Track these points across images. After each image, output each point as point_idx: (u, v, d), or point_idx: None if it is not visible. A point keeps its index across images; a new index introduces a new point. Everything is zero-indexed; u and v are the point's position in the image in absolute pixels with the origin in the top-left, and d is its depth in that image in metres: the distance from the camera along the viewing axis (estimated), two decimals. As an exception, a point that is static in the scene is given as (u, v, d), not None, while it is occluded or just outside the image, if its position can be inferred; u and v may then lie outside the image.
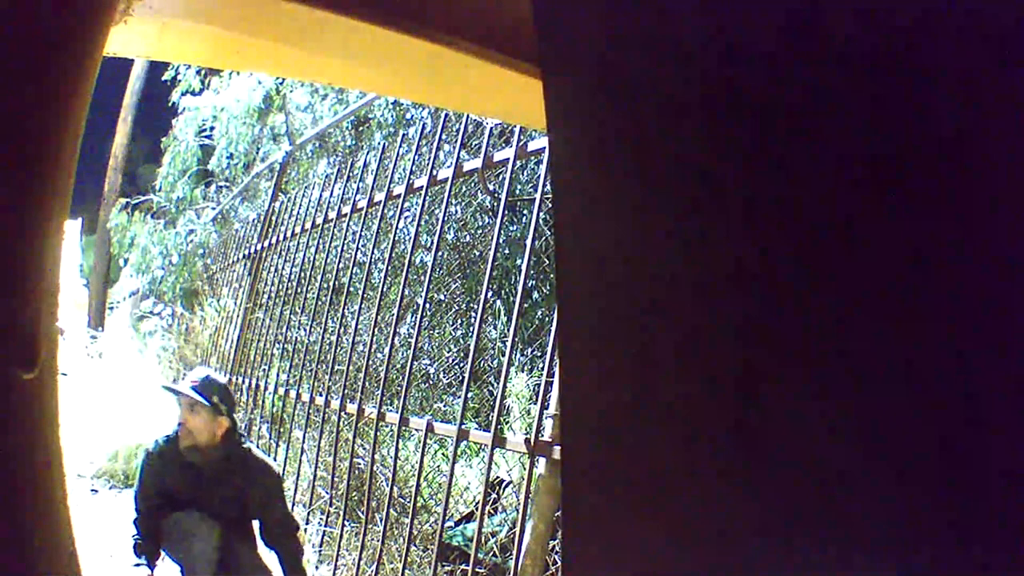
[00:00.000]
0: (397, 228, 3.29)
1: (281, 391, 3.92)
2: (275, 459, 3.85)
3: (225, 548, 2.54)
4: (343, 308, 3.38)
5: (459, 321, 3.99)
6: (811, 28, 0.55)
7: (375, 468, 3.00)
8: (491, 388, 3.60)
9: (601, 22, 0.71)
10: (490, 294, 3.07)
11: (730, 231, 0.61)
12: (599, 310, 0.73)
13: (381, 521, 2.71)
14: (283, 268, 4.39)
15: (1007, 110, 0.47)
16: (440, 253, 3.47)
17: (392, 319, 3.14)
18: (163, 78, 7.19)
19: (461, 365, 3.70)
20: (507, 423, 3.51)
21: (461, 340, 3.89)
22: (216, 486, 2.52)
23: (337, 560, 2.91)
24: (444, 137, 2.92)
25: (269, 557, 2.66)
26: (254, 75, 6.04)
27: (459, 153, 2.60)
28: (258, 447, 3.98)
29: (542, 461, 2.03)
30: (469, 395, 2.48)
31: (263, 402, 4.27)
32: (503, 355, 2.43)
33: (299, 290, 4.00)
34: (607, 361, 0.72)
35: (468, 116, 2.64)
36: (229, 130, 6.44)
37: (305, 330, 3.87)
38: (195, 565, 2.49)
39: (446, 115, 3.02)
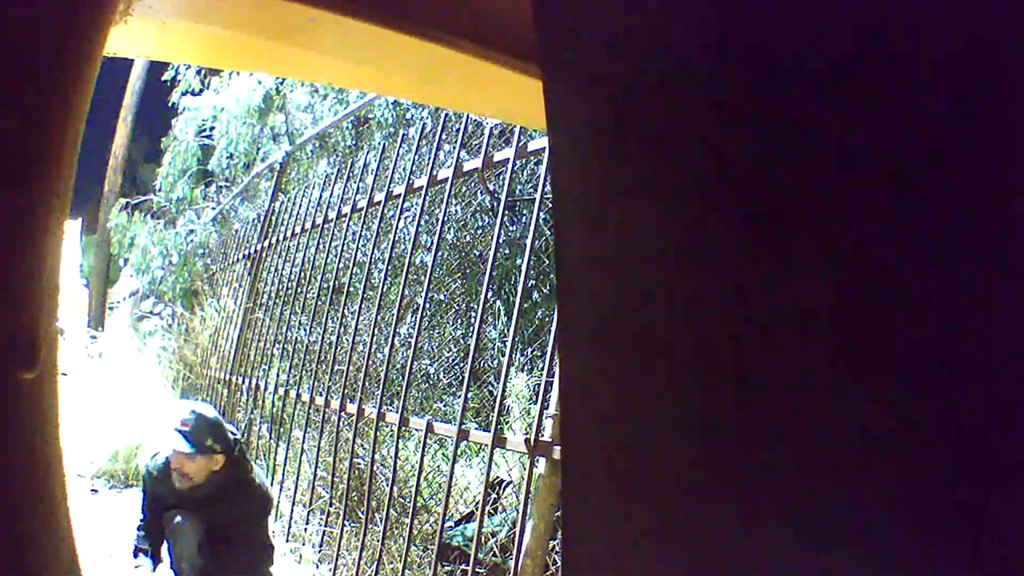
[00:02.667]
0: (397, 228, 3.29)
1: (281, 391, 3.92)
2: (275, 459, 3.85)
3: (218, 554, 2.54)
4: (343, 308, 3.38)
5: (459, 321, 3.99)
6: (814, 29, 0.55)
7: (375, 468, 3.00)
8: (491, 388, 3.60)
9: (602, 22, 0.71)
10: (490, 294, 3.07)
11: (730, 232, 0.61)
12: (599, 310, 0.73)
13: (381, 521, 2.71)
14: (283, 268, 4.39)
15: (1007, 109, 0.47)
16: (440, 253, 3.47)
17: (392, 319, 3.14)
18: (163, 78, 7.19)
19: (461, 365, 3.70)
20: (507, 423, 3.51)
21: (461, 340, 3.89)
22: (211, 508, 2.53)
23: (337, 560, 2.91)
24: (444, 137, 2.92)
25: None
26: (254, 75, 6.04)
27: (459, 153, 2.60)
28: (258, 449, 3.97)
29: (542, 461, 2.03)
30: (469, 395, 2.48)
31: (263, 402, 4.27)
32: (503, 355, 2.43)
33: (299, 290, 4.00)
34: (607, 361, 0.72)
35: (468, 116, 2.64)
36: (229, 130, 6.44)
37: (305, 330, 3.87)
38: (180, 564, 2.50)
39: (446, 115, 3.02)
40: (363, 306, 3.17)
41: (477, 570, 2.42)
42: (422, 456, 2.56)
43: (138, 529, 2.66)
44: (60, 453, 0.69)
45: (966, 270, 0.48)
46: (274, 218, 4.92)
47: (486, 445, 2.19)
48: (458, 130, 2.75)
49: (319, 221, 3.79)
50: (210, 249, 6.92)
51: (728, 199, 0.61)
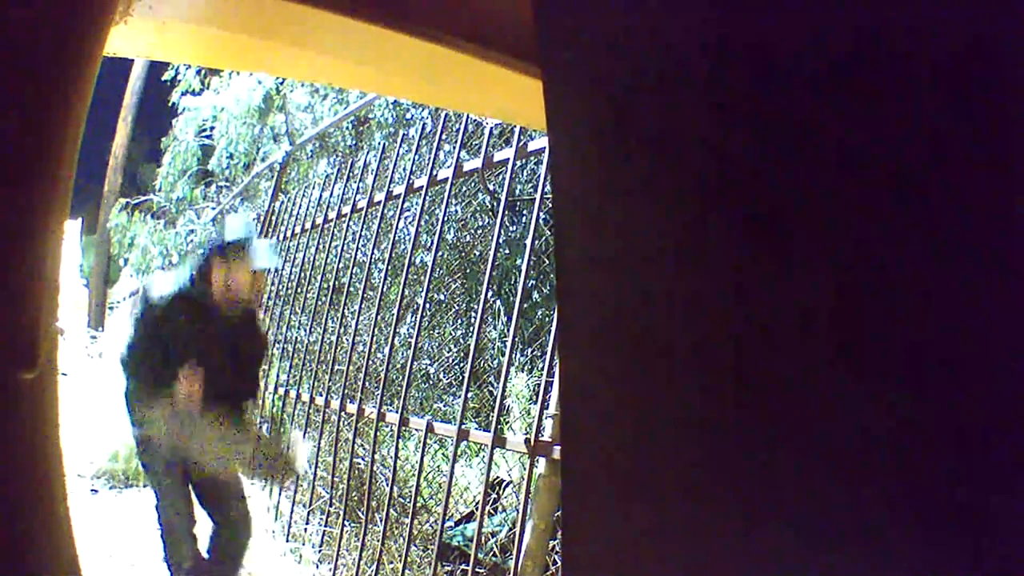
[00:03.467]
0: (397, 228, 3.29)
1: (281, 391, 3.92)
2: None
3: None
4: (343, 308, 3.38)
5: (459, 321, 3.99)
6: (814, 29, 0.55)
7: (375, 468, 3.00)
8: (491, 388, 3.60)
9: (602, 22, 0.71)
10: (490, 294, 3.07)
11: (730, 232, 0.61)
12: (599, 310, 0.73)
13: (381, 521, 2.71)
14: (283, 268, 4.38)
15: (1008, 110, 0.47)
16: (440, 253, 3.47)
17: (392, 319, 3.14)
18: (163, 78, 7.19)
19: (461, 365, 3.70)
20: (507, 423, 3.51)
21: (461, 340, 3.89)
22: (229, 345, 2.36)
23: (337, 560, 2.91)
24: (444, 137, 2.92)
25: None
26: (254, 75, 6.04)
27: (459, 153, 2.60)
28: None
29: (542, 461, 2.03)
30: (469, 395, 2.48)
31: (263, 402, 4.27)
32: (503, 355, 2.43)
33: (299, 290, 4.00)
34: (607, 361, 0.72)
35: (468, 116, 2.64)
36: (229, 130, 6.44)
37: (305, 330, 3.87)
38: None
39: (446, 115, 3.02)
40: (363, 306, 3.17)
41: (477, 570, 2.42)
42: (422, 456, 2.56)
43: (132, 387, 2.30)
44: (60, 453, 0.69)
45: (966, 270, 0.48)
46: (274, 218, 4.91)
47: (486, 445, 2.19)
48: (458, 130, 2.74)
49: (319, 221, 3.79)
50: (210, 249, 6.89)
51: (728, 199, 0.61)
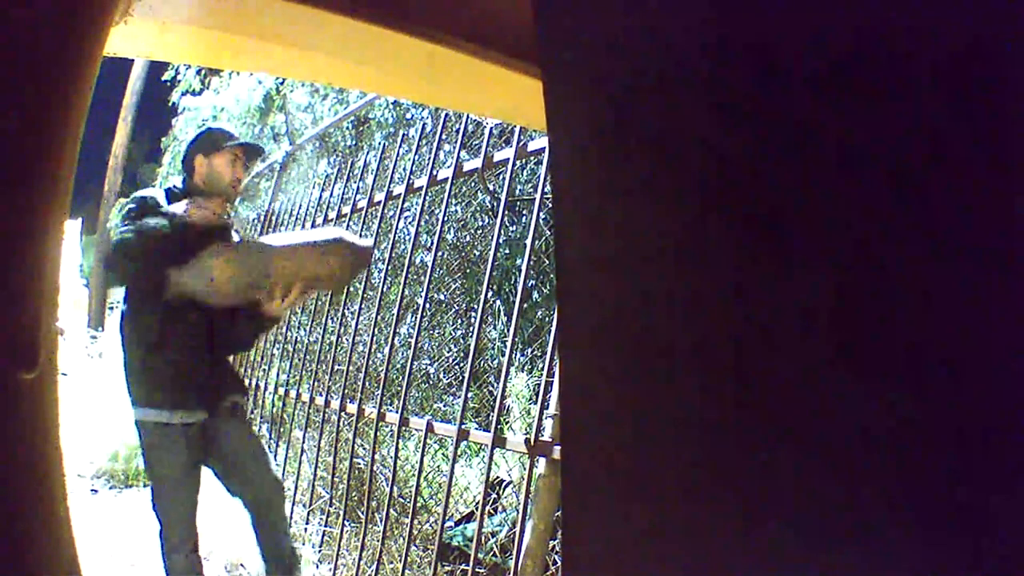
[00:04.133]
0: (397, 228, 3.29)
1: (281, 391, 3.92)
2: (275, 459, 3.85)
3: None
4: (343, 308, 3.38)
5: (459, 321, 3.99)
6: (814, 29, 0.55)
7: (375, 468, 3.00)
8: (491, 388, 3.60)
9: (602, 22, 0.71)
10: (490, 294, 3.07)
11: (730, 232, 0.61)
12: (599, 310, 0.73)
13: (381, 521, 2.71)
14: (283, 268, 4.38)
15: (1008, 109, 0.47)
16: (440, 253, 3.47)
17: (392, 319, 3.14)
18: (163, 78, 7.21)
19: (461, 365, 3.70)
20: (507, 423, 3.51)
21: (461, 340, 3.89)
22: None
23: (337, 560, 2.91)
24: (444, 137, 2.92)
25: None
26: (254, 75, 6.04)
27: (459, 153, 2.60)
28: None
29: (542, 461, 2.03)
30: (469, 395, 2.48)
31: (263, 402, 4.27)
32: (503, 355, 2.43)
33: (299, 290, 3.99)
34: (607, 361, 0.72)
35: (468, 116, 2.64)
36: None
37: (305, 330, 3.87)
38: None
39: (446, 115, 3.02)
40: (363, 306, 3.17)
41: (477, 570, 2.41)
42: (422, 456, 2.56)
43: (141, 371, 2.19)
44: (60, 453, 0.69)
45: (966, 270, 0.48)
46: (274, 218, 4.91)
47: (486, 445, 2.19)
48: (458, 130, 2.74)
49: (319, 221, 3.79)
50: (210, 249, 6.89)
51: (728, 199, 0.61)
